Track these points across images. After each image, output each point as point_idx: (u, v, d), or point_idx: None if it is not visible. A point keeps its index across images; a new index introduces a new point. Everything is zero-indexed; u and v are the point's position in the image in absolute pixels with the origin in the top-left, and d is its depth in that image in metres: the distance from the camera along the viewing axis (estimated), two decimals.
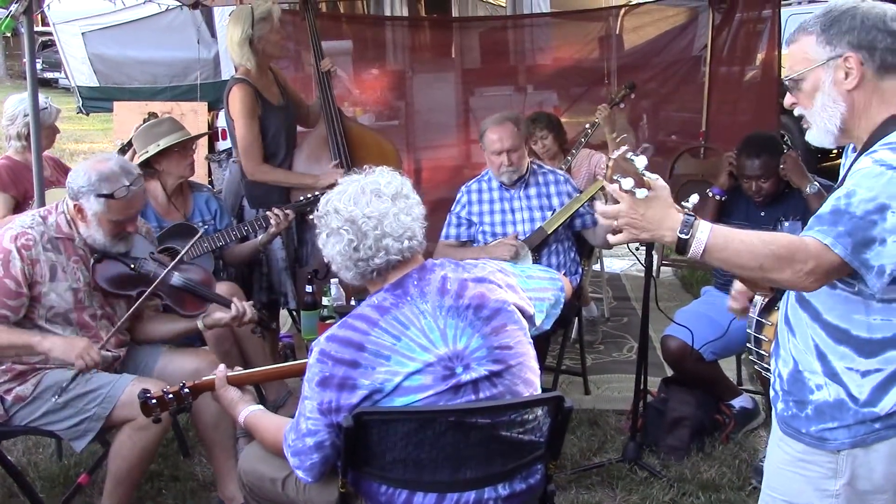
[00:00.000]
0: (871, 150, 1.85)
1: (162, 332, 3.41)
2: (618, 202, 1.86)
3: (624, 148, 1.90)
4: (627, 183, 1.84)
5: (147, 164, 3.92)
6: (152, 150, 3.91)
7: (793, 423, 2.01)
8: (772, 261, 1.80)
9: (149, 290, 3.19)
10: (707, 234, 1.81)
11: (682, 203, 2.04)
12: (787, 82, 1.98)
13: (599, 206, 1.92)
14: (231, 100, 4.20)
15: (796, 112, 2.00)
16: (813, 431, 1.96)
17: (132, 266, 3.25)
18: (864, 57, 1.87)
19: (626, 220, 1.85)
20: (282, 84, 4.45)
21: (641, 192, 1.83)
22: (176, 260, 3.29)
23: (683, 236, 1.82)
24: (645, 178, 1.85)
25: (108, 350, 3.13)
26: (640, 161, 1.85)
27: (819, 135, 1.95)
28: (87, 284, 3.16)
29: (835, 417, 1.93)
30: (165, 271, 3.25)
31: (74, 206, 3.11)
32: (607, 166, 1.92)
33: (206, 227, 4.02)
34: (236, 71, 4.41)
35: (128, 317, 3.20)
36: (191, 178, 4.11)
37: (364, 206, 2.18)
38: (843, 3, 1.91)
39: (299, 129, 4.60)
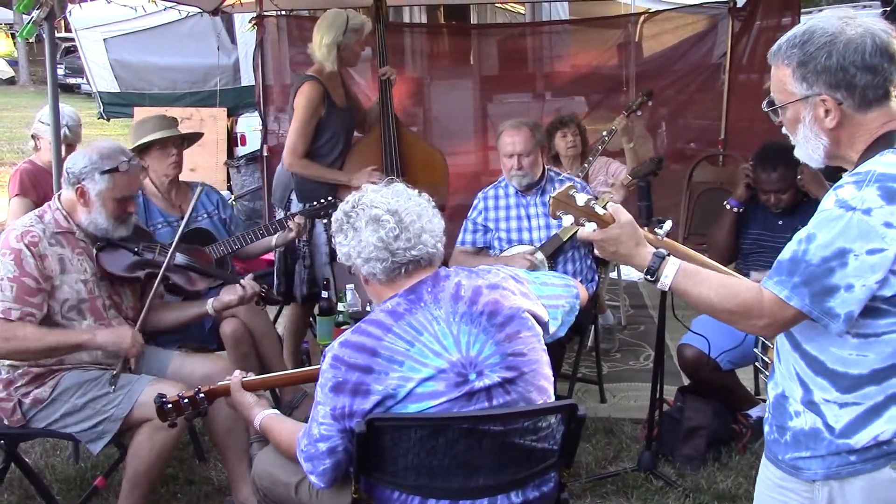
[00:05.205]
0: (838, 182, 1.78)
1: (172, 319, 3.46)
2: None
3: (567, 184, 2.05)
4: (568, 220, 2.00)
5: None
6: (131, 146, 3.97)
7: (773, 448, 1.97)
8: (727, 315, 1.87)
9: (162, 269, 3.23)
10: (671, 278, 1.90)
11: (656, 230, 2.13)
12: (766, 109, 1.90)
13: (582, 231, 2.00)
14: (299, 93, 4.33)
15: (783, 131, 1.92)
16: (788, 459, 1.91)
17: (136, 250, 3.31)
18: (842, 96, 1.78)
19: (601, 252, 1.99)
20: (346, 87, 4.57)
21: (590, 226, 1.97)
22: (178, 235, 3.32)
23: (649, 277, 1.93)
24: (598, 212, 1.97)
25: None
26: (581, 198, 1.98)
27: (804, 158, 1.90)
28: (94, 274, 3.20)
29: (808, 447, 1.86)
30: (171, 250, 3.28)
31: (77, 189, 3.14)
32: (548, 203, 2.07)
33: (212, 218, 4.06)
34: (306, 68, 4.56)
35: (153, 295, 3.23)
36: (206, 182, 4.13)
37: (405, 202, 2.23)
38: (823, 31, 1.78)
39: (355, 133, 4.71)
